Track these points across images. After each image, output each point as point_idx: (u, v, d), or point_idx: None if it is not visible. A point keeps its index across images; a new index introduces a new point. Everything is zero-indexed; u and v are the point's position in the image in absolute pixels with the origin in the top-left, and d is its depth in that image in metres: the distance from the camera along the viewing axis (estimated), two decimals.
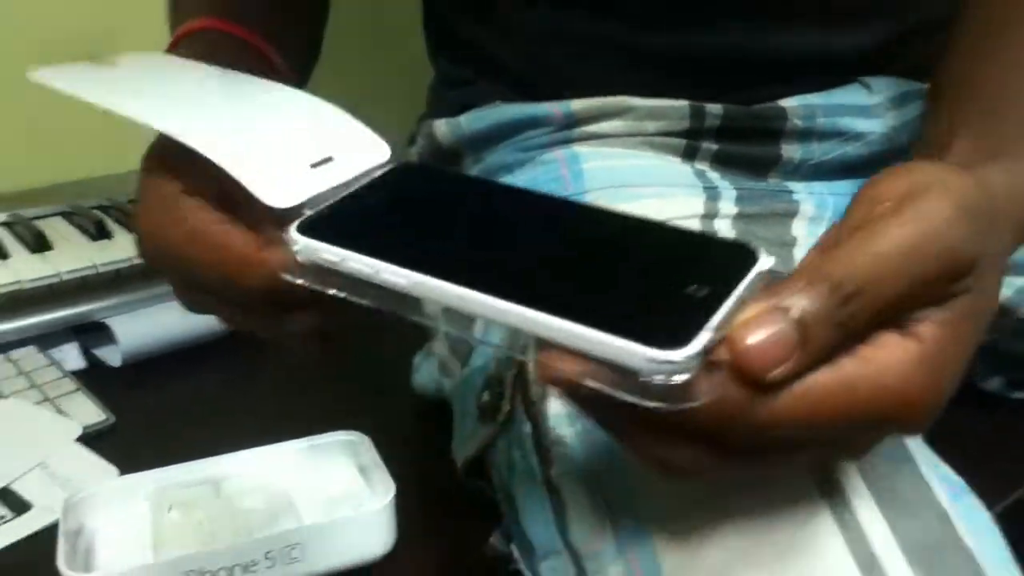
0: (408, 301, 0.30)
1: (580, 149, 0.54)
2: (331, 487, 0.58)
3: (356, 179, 0.35)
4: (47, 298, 0.76)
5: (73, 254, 0.79)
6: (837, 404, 0.28)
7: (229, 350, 0.79)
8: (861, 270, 0.28)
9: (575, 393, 0.29)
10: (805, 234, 0.51)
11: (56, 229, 0.84)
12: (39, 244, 0.80)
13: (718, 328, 0.27)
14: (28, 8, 0.98)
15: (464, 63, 0.61)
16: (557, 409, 0.46)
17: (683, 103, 0.54)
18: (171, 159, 0.37)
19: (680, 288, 0.28)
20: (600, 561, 0.42)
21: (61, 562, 0.48)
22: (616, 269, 0.31)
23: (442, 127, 0.60)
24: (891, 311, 0.29)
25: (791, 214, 0.53)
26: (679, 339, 0.26)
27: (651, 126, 0.54)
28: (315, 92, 0.40)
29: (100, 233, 0.83)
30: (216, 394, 0.74)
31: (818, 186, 0.56)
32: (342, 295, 0.31)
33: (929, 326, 0.29)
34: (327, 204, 0.33)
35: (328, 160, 0.34)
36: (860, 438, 0.32)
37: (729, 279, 0.29)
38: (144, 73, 0.41)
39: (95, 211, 0.87)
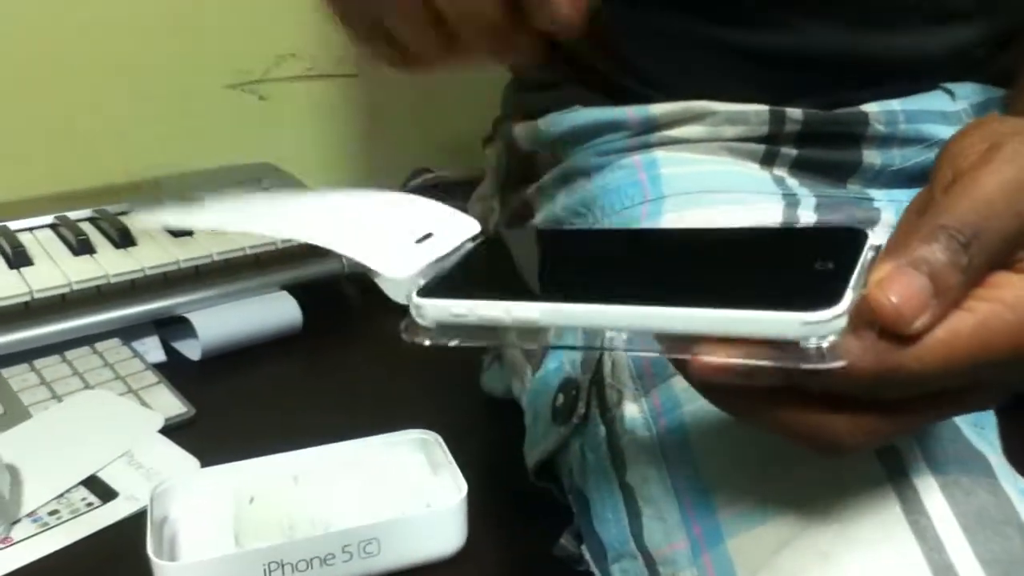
0: (541, 332, 0.33)
1: (658, 154, 0.54)
2: (404, 484, 0.59)
3: (456, 250, 0.37)
4: (130, 292, 0.79)
5: (155, 250, 0.82)
6: (979, 343, 0.30)
7: (306, 346, 0.80)
8: (972, 216, 0.30)
9: (727, 383, 0.30)
10: (886, 243, 0.51)
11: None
12: (124, 240, 0.83)
13: (855, 288, 0.29)
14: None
15: (543, 65, 0.61)
16: (633, 413, 0.46)
17: (763, 108, 0.53)
18: None
19: (808, 266, 0.30)
20: (674, 565, 0.42)
21: (150, 550, 0.49)
22: (739, 264, 0.33)
23: (520, 130, 0.61)
24: (1004, 251, 0.31)
25: (871, 222, 0.52)
26: (827, 300, 0.28)
27: (730, 131, 0.54)
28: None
29: (181, 230, 0.85)
30: (292, 389, 0.76)
31: (898, 193, 0.55)
32: (470, 344, 0.34)
33: None
34: (437, 272, 0.36)
35: (429, 236, 0.37)
36: (998, 380, 0.33)
37: (849, 253, 0.31)
38: (235, 201, 0.46)
39: None
